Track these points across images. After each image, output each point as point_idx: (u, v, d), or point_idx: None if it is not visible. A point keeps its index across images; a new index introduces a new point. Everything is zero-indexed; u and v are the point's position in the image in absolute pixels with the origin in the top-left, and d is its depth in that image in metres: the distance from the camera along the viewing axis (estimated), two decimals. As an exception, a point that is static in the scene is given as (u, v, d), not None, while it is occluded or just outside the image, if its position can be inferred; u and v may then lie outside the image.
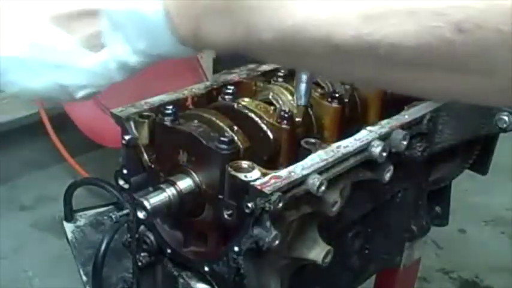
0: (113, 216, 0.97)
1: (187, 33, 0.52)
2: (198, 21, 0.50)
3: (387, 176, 0.98)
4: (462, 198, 2.49)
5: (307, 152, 0.88)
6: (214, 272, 0.88)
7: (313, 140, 0.90)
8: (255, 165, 0.82)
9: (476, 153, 1.22)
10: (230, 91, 0.99)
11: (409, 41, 0.44)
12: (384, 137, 0.94)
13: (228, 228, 0.86)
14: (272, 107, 0.98)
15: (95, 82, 0.57)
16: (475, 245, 2.47)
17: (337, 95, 0.99)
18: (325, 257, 0.90)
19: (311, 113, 0.99)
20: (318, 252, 0.90)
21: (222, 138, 0.84)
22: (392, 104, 1.09)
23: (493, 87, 0.47)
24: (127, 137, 0.95)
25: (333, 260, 0.92)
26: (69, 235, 2.22)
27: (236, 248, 0.82)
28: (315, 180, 0.81)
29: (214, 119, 0.92)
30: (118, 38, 0.54)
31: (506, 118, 1.03)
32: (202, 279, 0.93)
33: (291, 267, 0.93)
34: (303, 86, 0.93)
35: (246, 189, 0.78)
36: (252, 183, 0.78)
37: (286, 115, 0.92)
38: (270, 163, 0.90)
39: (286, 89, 1.01)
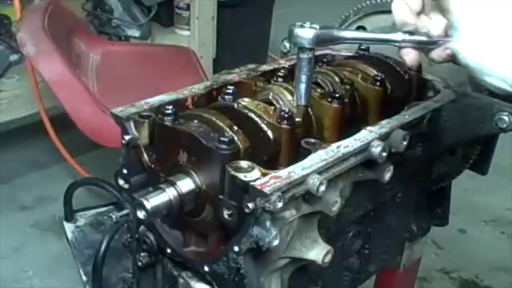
0: (113, 216, 0.97)
1: None
2: None
3: (387, 176, 0.98)
4: (462, 198, 2.50)
5: (307, 152, 0.87)
6: (214, 272, 0.88)
7: (313, 140, 0.90)
8: (255, 165, 0.82)
9: (476, 153, 1.22)
10: (230, 91, 0.99)
11: None
12: (384, 137, 0.94)
13: (228, 228, 0.86)
14: (272, 107, 0.98)
15: None
16: (475, 245, 2.47)
17: (337, 95, 0.99)
18: (325, 256, 0.90)
19: (311, 113, 0.99)
20: (318, 252, 0.90)
21: (222, 138, 0.84)
22: (392, 104, 1.09)
23: None
24: (127, 137, 0.95)
25: (333, 260, 0.92)
26: (69, 235, 2.22)
27: (236, 248, 0.82)
28: (315, 180, 0.81)
29: (214, 119, 0.92)
30: None
31: (506, 118, 1.03)
32: (202, 279, 0.93)
33: (291, 267, 0.93)
34: (303, 86, 0.93)
35: (246, 189, 0.78)
36: (252, 183, 0.78)
37: (286, 115, 0.92)
38: (270, 163, 0.90)
39: (286, 89, 1.01)
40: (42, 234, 2.37)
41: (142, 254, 1.01)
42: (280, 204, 0.77)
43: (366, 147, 0.91)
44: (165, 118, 0.92)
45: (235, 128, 0.91)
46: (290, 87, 1.00)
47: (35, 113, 2.41)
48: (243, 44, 3.07)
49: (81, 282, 2.00)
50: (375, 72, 1.10)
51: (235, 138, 0.88)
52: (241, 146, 0.88)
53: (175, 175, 0.90)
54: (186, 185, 0.89)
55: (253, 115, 0.94)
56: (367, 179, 0.96)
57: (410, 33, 0.88)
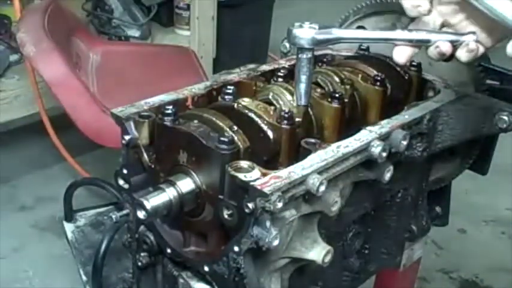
0: (113, 216, 0.97)
1: None
2: None
3: (387, 176, 0.98)
4: (462, 198, 2.49)
5: (307, 152, 0.88)
6: (214, 272, 0.88)
7: (313, 140, 0.90)
8: (255, 165, 0.82)
9: (476, 153, 1.22)
10: (230, 91, 0.99)
11: None
12: (384, 137, 0.94)
13: (228, 228, 0.86)
14: (272, 107, 0.98)
15: None
16: (475, 245, 2.47)
17: (337, 95, 0.99)
18: (325, 256, 0.90)
19: (311, 113, 0.99)
20: (318, 252, 0.90)
21: (222, 138, 0.84)
22: (392, 104, 1.09)
23: None
24: (127, 137, 0.95)
25: (333, 260, 0.92)
26: (69, 235, 2.22)
27: (236, 248, 0.82)
28: (315, 180, 0.81)
29: (214, 119, 0.92)
30: None
31: (506, 118, 1.03)
32: (202, 279, 0.93)
33: (291, 267, 0.93)
34: (302, 86, 0.93)
35: (246, 189, 0.79)
36: (252, 183, 0.78)
37: (286, 115, 0.92)
38: (270, 163, 0.90)
39: (286, 89, 1.01)
40: (42, 234, 2.37)
41: (142, 254, 1.01)
42: (280, 204, 0.77)
43: (366, 147, 0.91)
44: (165, 118, 0.92)
45: (235, 128, 0.91)
46: (290, 87, 1.00)
47: (35, 113, 2.41)
48: (243, 44, 3.07)
49: (81, 282, 2.00)
50: (375, 72, 1.10)
51: (235, 138, 0.88)
52: (241, 146, 0.88)
53: (175, 175, 0.90)
54: (186, 185, 0.89)
55: (253, 115, 0.94)
56: (367, 179, 0.96)
57: (410, 30, 0.89)
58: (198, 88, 1.06)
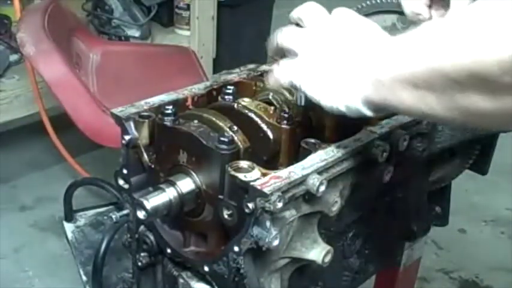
0: (113, 216, 0.97)
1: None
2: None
3: (387, 176, 0.98)
4: (462, 198, 2.49)
5: (307, 152, 0.87)
6: (214, 272, 0.88)
7: (313, 140, 0.90)
8: (255, 165, 0.82)
9: (476, 153, 1.22)
10: (230, 91, 0.99)
11: None
12: (384, 137, 0.94)
13: (228, 228, 0.86)
14: (272, 107, 0.98)
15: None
16: (475, 245, 2.47)
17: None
18: (325, 256, 0.89)
19: (311, 113, 0.99)
20: (318, 252, 0.90)
21: (222, 138, 0.84)
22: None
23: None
24: (127, 137, 0.95)
25: (333, 259, 0.92)
26: (69, 235, 2.22)
27: (236, 248, 0.82)
28: (315, 180, 0.81)
29: (214, 119, 0.92)
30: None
31: (506, 118, 1.02)
32: (202, 279, 0.93)
33: (290, 267, 0.93)
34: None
35: (246, 189, 0.79)
36: (252, 183, 0.78)
37: (286, 115, 0.92)
38: (270, 163, 0.90)
39: (286, 89, 1.01)
40: (42, 234, 2.37)
41: (142, 254, 1.01)
42: (280, 204, 0.77)
43: (366, 147, 0.91)
44: (165, 118, 0.92)
45: (235, 128, 0.91)
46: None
47: (35, 113, 2.41)
48: (243, 44, 3.07)
49: (81, 282, 2.00)
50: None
51: (235, 138, 0.88)
52: (241, 146, 0.88)
53: (175, 175, 0.90)
54: (186, 185, 0.89)
55: (253, 115, 0.94)
56: (367, 179, 0.96)
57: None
58: (198, 88, 1.06)
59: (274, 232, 0.78)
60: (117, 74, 2.33)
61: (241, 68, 1.15)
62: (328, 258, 0.90)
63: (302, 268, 0.94)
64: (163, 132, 0.93)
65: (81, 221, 2.27)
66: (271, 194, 0.76)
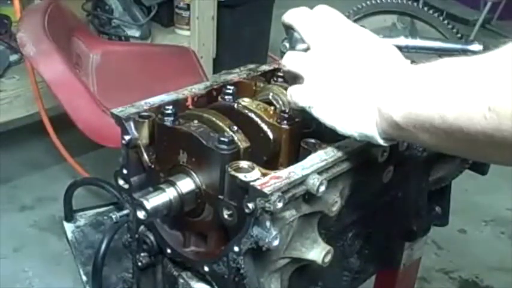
0: (113, 216, 0.97)
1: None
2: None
3: (387, 176, 0.98)
4: (462, 198, 2.49)
5: (307, 152, 0.87)
6: (214, 272, 0.88)
7: (313, 140, 0.90)
8: (255, 165, 0.82)
9: (476, 153, 1.22)
10: (230, 91, 0.99)
11: None
12: (383, 137, 0.93)
13: (228, 228, 0.86)
14: (272, 107, 0.98)
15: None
16: (475, 245, 2.47)
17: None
18: (325, 257, 0.89)
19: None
20: (318, 252, 0.90)
21: (222, 138, 0.84)
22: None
23: None
24: (127, 137, 0.95)
25: (333, 260, 0.92)
26: (69, 235, 2.23)
27: (236, 248, 0.82)
28: (315, 180, 0.81)
29: (214, 119, 0.92)
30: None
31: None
32: (202, 279, 0.93)
33: (290, 267, 0.93)
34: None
35: (246, 190, 0.78)
36: (252, 183, 0.78)
37: (286, 115, 0.92)
38: (270, 163, 0.90)
39: (286, 89, 1.01)
40: (42, 234, 2.37)
41: (142, 254, 1.01)
42: (280, 205, 0.77)
43: (366, 147, 0.91)
44: (165, 118, 0.92)
45: (235, 128, 0.91)
46: (290, 87, 1.00)
47: (35, 113, 2.41)
48: (243, 44, 3.07)
49: (81, 282, 2.00)
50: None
51: (235, 138, 0.88)
52: (241, 146, 0.88)
53: (175, 175, 0.90)
54: (186, 185, 0.89)
55: (253, 115, 0.94)
56: (367, 179, 0.96)
57: (413, 37, 0.89)
58: (198, 88, 1.06)
59: (274, 232, 0.78)
60: (117, 74, 2.33)
61: (241, 68, 1.15)
62: (328, 258, 0.90)
63: (302, 268, 0.94)
64: (163, 132, 0.93)
65: (81, 221, 2.28)
66: (271, 194, 0.76)
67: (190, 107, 1.03)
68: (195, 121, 0.92)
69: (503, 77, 0.58)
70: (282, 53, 0.92)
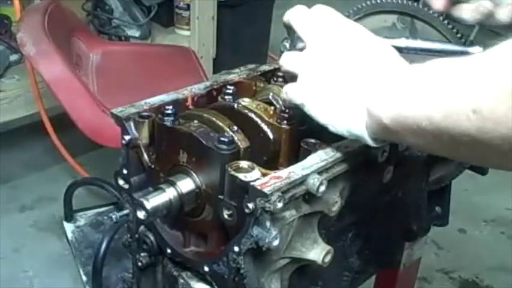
0: (113, 216, 0.97)
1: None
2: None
3: (387, 176, 0.98)
4: (462, 198, 2.50)
5: (307, 152, 0.87)
6: (214, 272, 0.88)
7: (313, 140, 0.90)
8: (255, 165, 0.82)
9: (476, 153, 1.22)
10: (230, 91, 0.99)
11: None
12: (384, 137, 0.93)
13: (228, 228, 0.86)
14: (272, 107, 0.98)
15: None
16: (475, 245, 2.47)
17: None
18: (325, 257, 0.89)
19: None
20: (318, 252, 0.90)
21: (222, 138, 0.84)
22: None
23: None
24: (127, 137, 0.95)
25: (333, 259, 0.92)
26: (69, 235, 2.23)
27: (236, 248, 0.82)
28: (315, 180, 0.81)
29: (214, 119, 0.92)
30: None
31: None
32: (202, 279, 0.93)
33: (290, 267, 0.93)
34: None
35: (246, 190, 0.78)
36: (252, 183, 0.78)
37: (286, 115, 0.92)
38: (270, 163, 0.90)
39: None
40: (42, 234, 2.37)
41: (142, 254, 1.01)
42: (280, 205, 0.77)
43: (366, 147, 0.90)
44: (165, 118, 0.92)
45: (235, 128, 0.91)
46: (290, 87, 1.00)
47: (35, 113, 2.41)
48: (243, 44, 3.07)
49: (81, 282, 2.01)
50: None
51: (235, 138, 0.88)
52: (241, 146, 0.88)
53: (176, 175, 0.90)
54: (186, 185, 0.89)
55: (253, 115, 0.94)
56: (367, 179, 0.96)
57: (414, 38, 0.89)
58: (198, 88, 1.06)
59: (274, 232, 0.78)
60: (117, 74, 2.33)
61: (241, 68, 1.15)
62: (328, 258, 0.90)
63: (302, 268, 0.94)
64: (163, 132, 0.93)
65: (81, 221, 2.28)
66: (271, 194, 0.76)
67: (190, 107, 1.03)
68: (195, 121, 0.92)
69: (486, 79, 0.58)
70: (282, 53, 0.92)
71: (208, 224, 0.91)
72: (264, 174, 0.80)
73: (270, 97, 1.02)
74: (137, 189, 0.98)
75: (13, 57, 2.48)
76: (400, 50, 0.89)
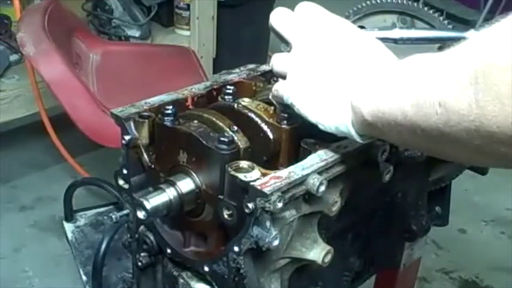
0: (113, 216, 0.97)
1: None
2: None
3: (387, 176, 0.98)
4: (462, 198, 2.50)
5: (307, 152, 0.87)
6: (214, 272, 0.88)
7: (313, 140, 0.90)
8: (255, 165, 0.82)
9: (476, 153, 1.22)
10: (230, 91, 0.99)
11: None
12: (384, 137, 0.93)
13: (228, 228, 0.86)
14: (272, 107, 0.98)
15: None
16: (475, 245, 2.47)
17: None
18: (325, 257, 0.89)
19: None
20: (318, 252, 0.89)
21: (222, 138, 0.84)
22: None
23: None
24: (127, 137, 0.95)
25: (333, 260, 0.92)
26: (69, 235, 2.23)
27: (236, 248, 0.82)
28: (315, 180, 0.81)
29: (214, 119, 0.92)
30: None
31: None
32: (202, 279, 0.93)
33: (290, 267, 0.93)
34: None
35: (246, 189, 0.78)
36: (252, 183, 0.78)
37: (286, 115, 0.92)
38: (270, 163, 0.90)
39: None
40: (42, 234, 2.37)
41: (142, 254, 1.01)
42: (280, 205, 0.77)
43: (365, 147, 0.91)
44: (165, 118, 0.92)
45: (235, 128, 0.91)
46: (290, 87, 1.00)
47: (35, 113, 2.41)
48: (243, 44, 3.07)
49: (81, 282, 2.01)
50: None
51: (235, 138, 0.88)
52: (241, 146, 0.88)
53: (175, 175, 0.90)
54: (186, 185, 0.89)
55: (253, 115, 0.94)
56: (367, 179, 0.96)
57: (408, 28, 0.89)
58: (198, 88, 1.06)
59: (274, 232, 0.78)
60: (117, 74, 2.33)
61: (241, 68, 1.15)
62: (328, 258, 0.90)
63: (302, 268, 0.94)
64: (163, 132, 0.93)
65: (81, 221, 2.28)
66: (271, 194, 0.76)
67: (190, 107, 1.03)
68: (195, 121, 0.92)
69: (449, 72, 0.58)
70: None
71: (208, 224, 0.91)
72: (264, 174, 0.80)
73: (270, 97, 1.02)
74: (137, 189, 0.98)
75: (13, 57, 2.48)
76: (395, 41, 0.89)
